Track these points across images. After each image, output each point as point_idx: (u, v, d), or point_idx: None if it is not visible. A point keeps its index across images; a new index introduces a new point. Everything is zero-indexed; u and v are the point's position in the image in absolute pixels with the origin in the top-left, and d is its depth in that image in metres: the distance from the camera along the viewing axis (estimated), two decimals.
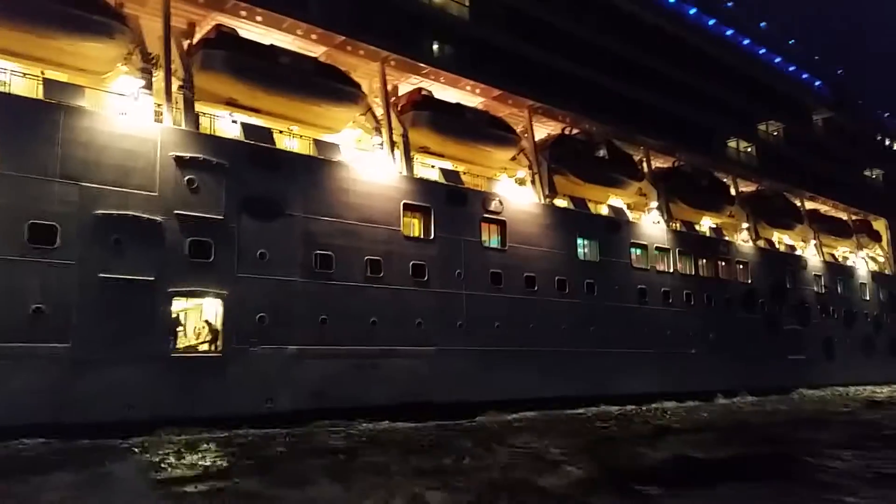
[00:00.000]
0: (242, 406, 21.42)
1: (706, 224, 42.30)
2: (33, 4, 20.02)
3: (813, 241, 48.46)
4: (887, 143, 62.96)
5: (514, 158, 32.38)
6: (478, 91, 31.38)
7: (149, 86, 21.85)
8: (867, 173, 58.68)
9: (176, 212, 21.13)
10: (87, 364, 18.87)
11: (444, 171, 29.41)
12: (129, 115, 20.99)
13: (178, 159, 21.34)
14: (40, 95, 19.94)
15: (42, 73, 21.06)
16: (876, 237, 56.41)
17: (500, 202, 30.10)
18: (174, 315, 21.42)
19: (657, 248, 36.92)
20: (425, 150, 29.46)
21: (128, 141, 20.56)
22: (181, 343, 21.71)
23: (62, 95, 19.95)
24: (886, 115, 69.90)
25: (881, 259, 57.21)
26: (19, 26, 19.93)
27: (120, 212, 20.10)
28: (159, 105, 21.90)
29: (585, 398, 30.07)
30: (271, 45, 25.03)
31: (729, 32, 45.52)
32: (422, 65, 29.18)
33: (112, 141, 20.27)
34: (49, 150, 19.20)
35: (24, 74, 20.82)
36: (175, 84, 22.54)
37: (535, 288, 30.39)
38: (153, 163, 20.94)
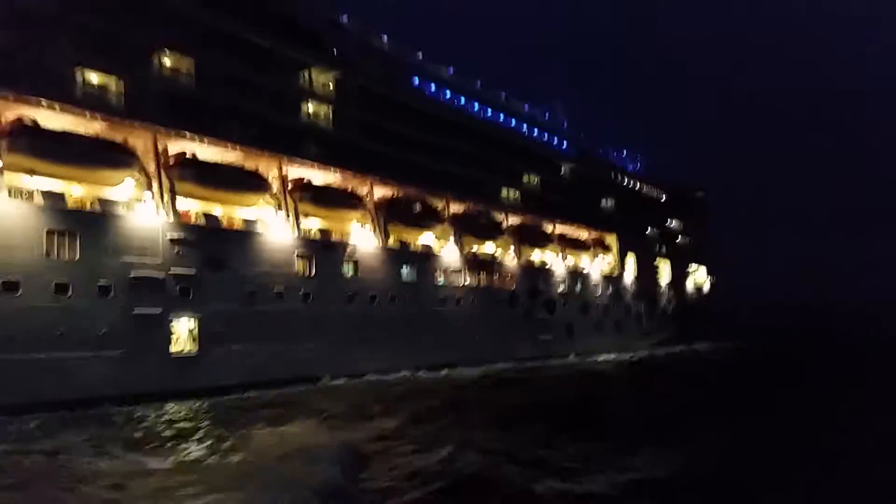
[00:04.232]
0: (210, 381, 36.72)
1: (487, 248, 62.12)
2: (84, 152, 33.94)
3: (560, 256, 70.61)
4: (618, 178, 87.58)
5: (361, 215, 49.46)
6: (338, 173, 48.04)
7: (150, 188, 36.51)
8: (603, 202, 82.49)
9: (171, 271, 36.08)
10: (131, 362, 33.56)
11: (320, 230, 46.02)
12: (143, 214, 35.59)
13: (172, 240, 36.29)
14: (97, 208, 34.11)
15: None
16: (607, 249, 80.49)
17: (354, 248, 47.29)
18: (172, 331, 36.32)
19: (453, 269, 56.05)
20: (307, 215, 45.62)
21: (144, 231, 35.27)
22: (174, 348, 36.59)
23: (110, 208, 34.30)
24: (625, 152, 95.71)
25: (611, 264, 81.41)
26: (79, 165, 33.86)
27: (142, 274, 34.79)
28: (158, 206, 36.55)
29: (410, 368, 48.00)
30: (216, 162, 40.19)
31: (502, 117, 65.96)
32: (304, 160, 45.39)
33: (136, 231, 34.93)
34: (106, 240, 33.55)
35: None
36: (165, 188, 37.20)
37: (376, 302, 47.99)
38: (158, 242, 35.75)
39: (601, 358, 65.99)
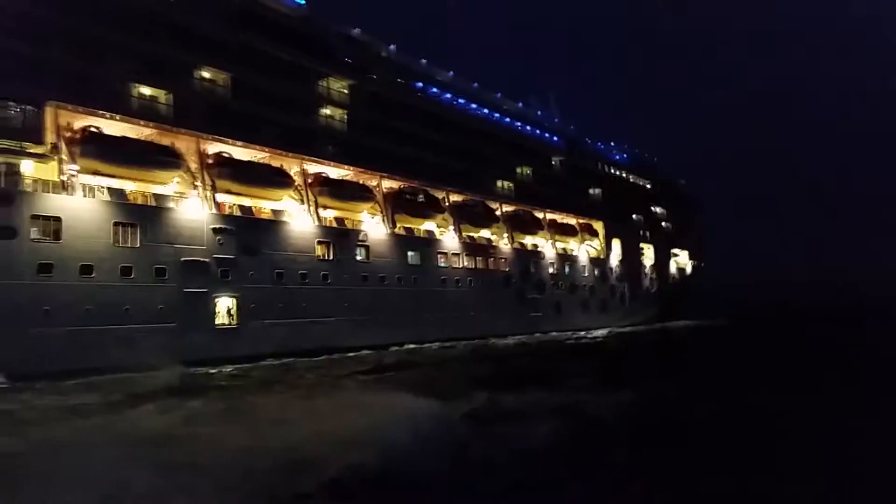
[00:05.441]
0: (247, 350, 42.97)
1: (484, 234, 68.38)
2: (140, 155, 40.03)
3: (550, 241, 76.95)
4: (605, 168, 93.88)
5: (371, 206, 55.66)
6: (350, 168, 54.15)
7: (194, 185, 42.65)
8: (590, 191, 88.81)
9: (213, 256, 42.31)
10: (183, 334, 39.81)
11: (336, 219, 52.26)
12: (189, 207, 41.74)
13: (214, 229, 42.49)
14: (153, 202, 40.27)
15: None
16: (594, 234, 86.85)
17: (366, 234, 53.53)
18: (216, 307, 42.58)
19: (453, 253, 62.36)
20: (324, 206, 51.80)
21: (192, 222, 41.45)
22: (218, 321, 42.85)
23: (164, 202, 40.49)
24: (613, 143, 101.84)
25: (598, 248, 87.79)
26: (137, 166, 39.95)
27: (190, 258, 41.00)
28: (202, 200, 42.70)
29: (414, 342, 54.37)
30: (248, 161, 46.31)
31: (496, 115, 72.11)
32: (321, 159, 51.51)
33: (185, 223, 41.10)
34: (161, 230, 39.73)
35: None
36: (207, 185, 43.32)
37: (385, 282, 54.32)
38: (203, 232, 41.94)
39: (584, 333, 72.80)
